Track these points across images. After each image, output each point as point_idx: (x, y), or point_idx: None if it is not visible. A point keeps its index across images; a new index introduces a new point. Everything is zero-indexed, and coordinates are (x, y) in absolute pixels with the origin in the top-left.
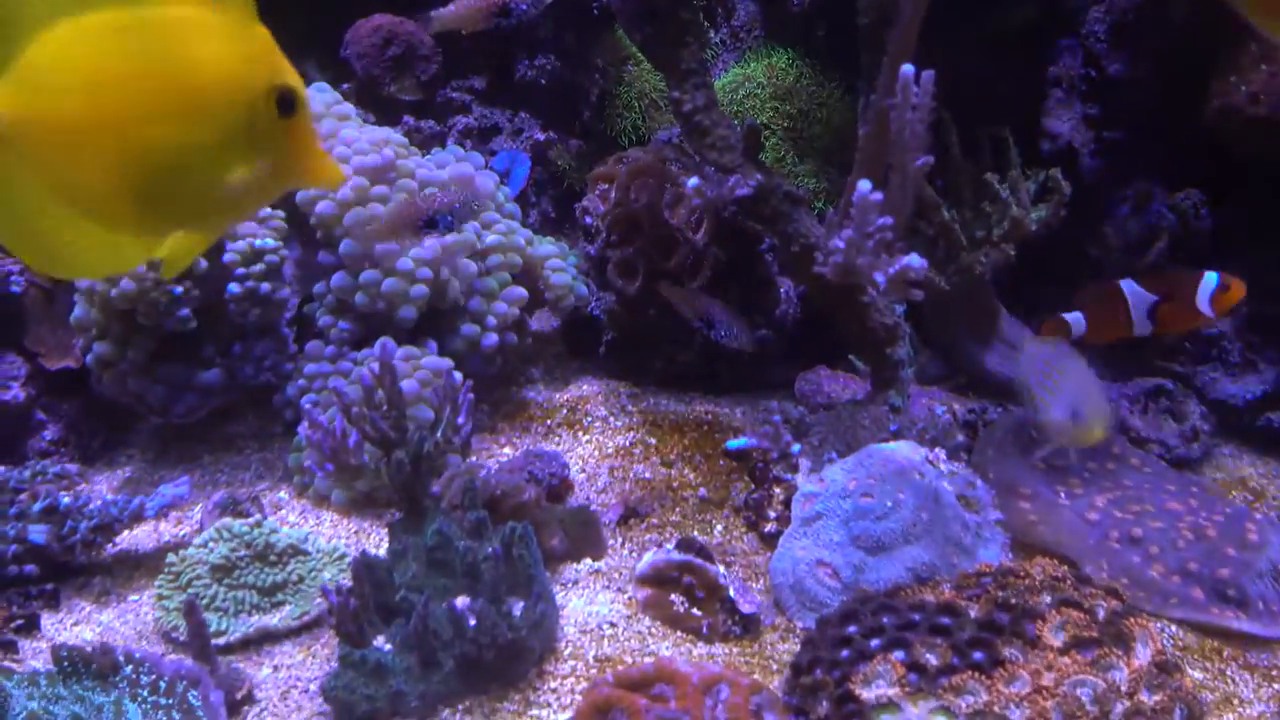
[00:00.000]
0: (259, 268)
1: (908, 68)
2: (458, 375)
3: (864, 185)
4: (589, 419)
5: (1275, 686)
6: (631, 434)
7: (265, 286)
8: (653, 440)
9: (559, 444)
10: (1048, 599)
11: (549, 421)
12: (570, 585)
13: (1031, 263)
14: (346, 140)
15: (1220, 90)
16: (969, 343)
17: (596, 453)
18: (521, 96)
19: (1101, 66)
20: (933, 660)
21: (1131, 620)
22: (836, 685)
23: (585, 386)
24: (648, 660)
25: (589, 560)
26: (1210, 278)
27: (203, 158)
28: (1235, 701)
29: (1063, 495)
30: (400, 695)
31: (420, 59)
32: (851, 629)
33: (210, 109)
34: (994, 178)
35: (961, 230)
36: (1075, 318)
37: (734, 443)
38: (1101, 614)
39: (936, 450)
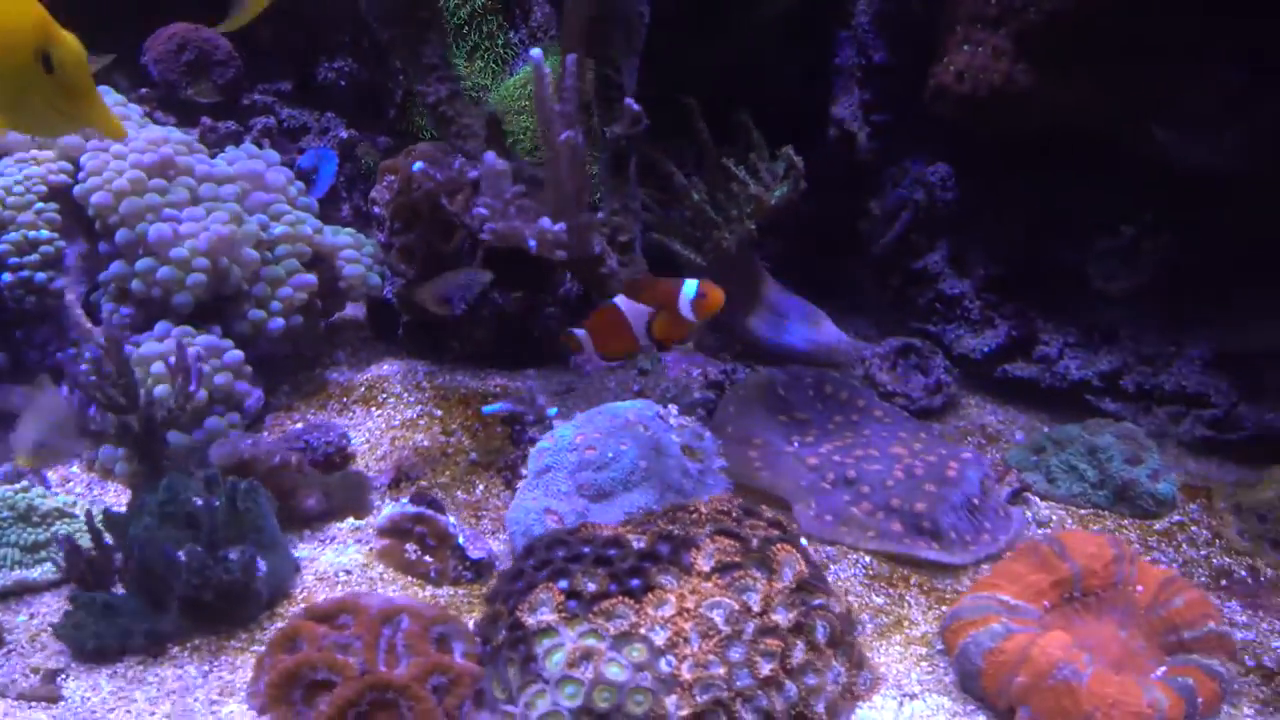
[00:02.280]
0: (34, 258)
1: (536, 53)
2: (238, 354)
3: (488, 157)
4: (384, 395)
5: (945, 609)
6: (420, 408)
7: (41, 276)
8: (439, 412)
9: (352, 419)
10: (709, 530)
11: (345, 399)
12: (328, 541)
13: (816, 237)
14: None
15: (935, 71)
16: (737, 313)
17: (384, 425)
18: (328, 98)
19: (869, 55)
20: (591, 587)
21: (779, 547)
22: (509, 614)
23: (386, 367)
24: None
25: (352, 519)
26: (689, 286)
27: None
28: (906, 624)
29: (795, 444)
30: (128, 632)
31: (216, 64)
32: (529, 563)
33: None
34: (731, 161)
35: (715, 210)
36: (582, 334)
37: (489, 407)
38: (755, 543)
39: (670, 407)
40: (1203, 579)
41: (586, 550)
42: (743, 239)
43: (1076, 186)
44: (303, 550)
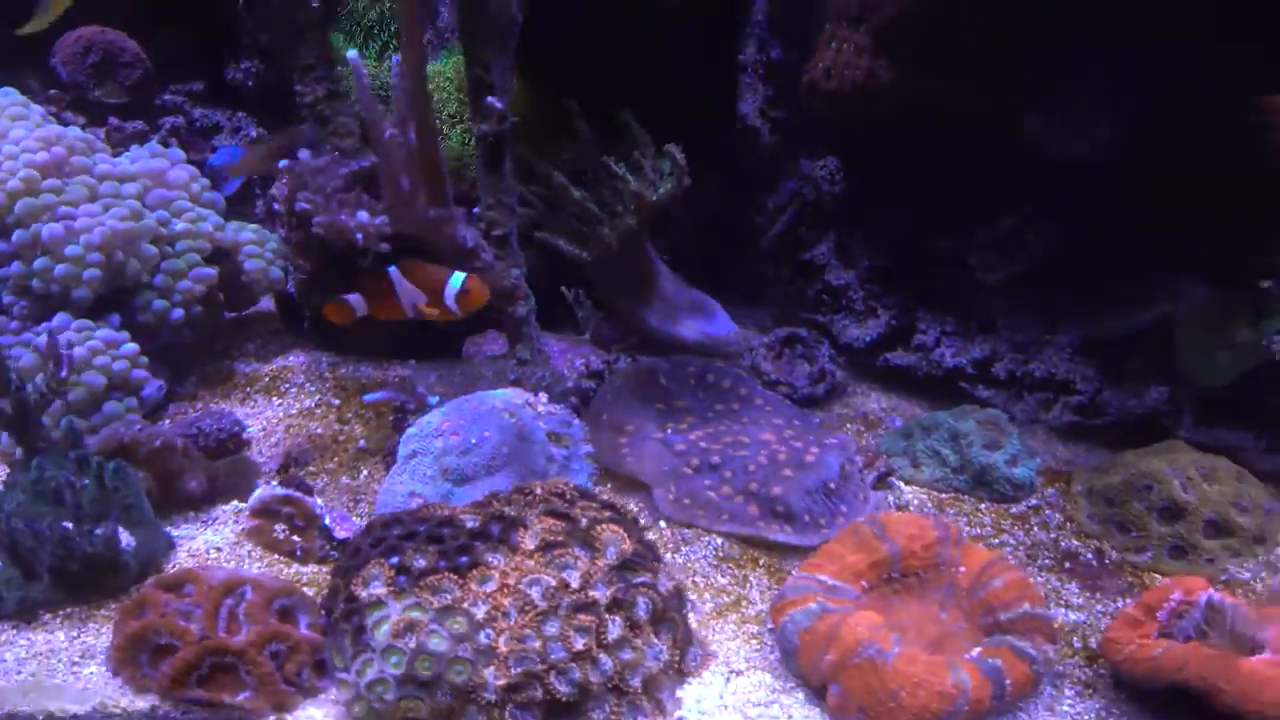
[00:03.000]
0: None
1: (352, 54)
2: (133, 346)
3: (303, 154)
4: (286, 385)
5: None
6: (319, 397)
7: None
8: (336, 401)
9: (254, 407)
10: (539, 510)
11: (250, 389)
12: (211, 522)
13: (723, 231)
14: (14, 139)
15: (807, 68)
16: (631, 304)
17: (282, 413)
18: (240, 98)
19: (768, 52)
20: (420, 564)
21: (604, 527)
22: (346, 588)
23: (292, 358)
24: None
25: (236, 502)
26: (456, 279)
27: None
28: (744, 603)
29: (668, 431)
30: (1, 599)
31: (122, 65)
32: (367, 541)
33: None
34: (611, 159)
35: (602, 207)
36: (356, 299)
37: (370, 395)
38: (584, 523)
39: (540, 395)
40: (1048, 561)
41: (421, 529)
42: (624, 234)
43: (961, 178)
44: (183, 530)
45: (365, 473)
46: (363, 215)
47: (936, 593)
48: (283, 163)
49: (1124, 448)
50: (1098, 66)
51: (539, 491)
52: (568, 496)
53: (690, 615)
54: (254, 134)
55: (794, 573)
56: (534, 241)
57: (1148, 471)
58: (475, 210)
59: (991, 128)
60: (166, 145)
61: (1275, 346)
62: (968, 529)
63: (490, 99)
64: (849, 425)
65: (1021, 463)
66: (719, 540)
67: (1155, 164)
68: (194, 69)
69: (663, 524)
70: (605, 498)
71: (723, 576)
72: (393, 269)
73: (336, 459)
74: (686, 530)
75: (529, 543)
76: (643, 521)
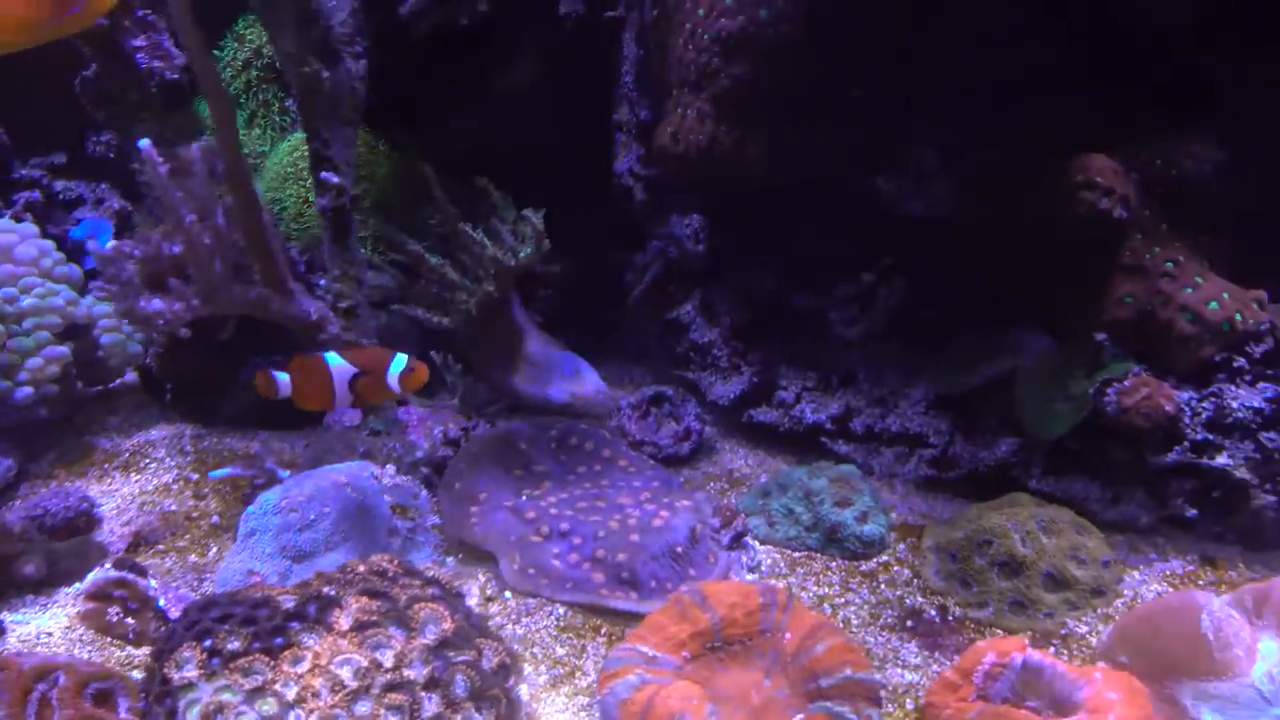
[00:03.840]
0: None
1: (144, 144)
2: None
3: (95, 245)
4: (145, 460)
5: None
6: (177, 472)
7: None
8: (195, 476)
9: (110, 484)
10: (358, 590)
11: (108, 465)
12: (49, 605)
13: (603, 290)
14: None
15: (656, 133)
16: (499, 368)
17: (138, 490)
18: (102, 169)
19: (637, 113)
20: (234, 645)
21: (420, 605)
22: (160, 669)
23: (155, 432)
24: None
25: (78, 584)
26: (399, 360)
27: None
28: (578, 674)
29: (523, 498)
30: None
31: None
32: (183, 624)
33: None
34: (467, 226)
35: (465, 272)
36: (285, 380)
37: (217, 472)
38: (404, 601)
39: (387, 467)
40: (891, 620)
41: (237, 610)
42: (484, 301)
43: (823, 235)
44: (19, 614)
45: (215, 550)
46: (156, 303)
47: (762, 660)
48: (111, 243)
49: (978, 499)
50: (937, 128)
51: (361, 570)
52: (389, 574)
53: (524, 688)
54: (116, 205)
55: (618, 645)
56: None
57: (988, 527)
58: (322, 282)
59: (845, 187)
60: (19, 220)
61: (1105, 398)
62: (815, 589)
63: (325, 174)
64: (713, 484)
65: (872, 519)
66: (562, 610)
67: (992, 223)
68: (57, 140)
69: (508, 594)
70: (433, 573)
71: (561, 647)
72: (328, 354)
73: (188, 536)
74: (531, 600)
75: (344, 623)
76: (489, 592)
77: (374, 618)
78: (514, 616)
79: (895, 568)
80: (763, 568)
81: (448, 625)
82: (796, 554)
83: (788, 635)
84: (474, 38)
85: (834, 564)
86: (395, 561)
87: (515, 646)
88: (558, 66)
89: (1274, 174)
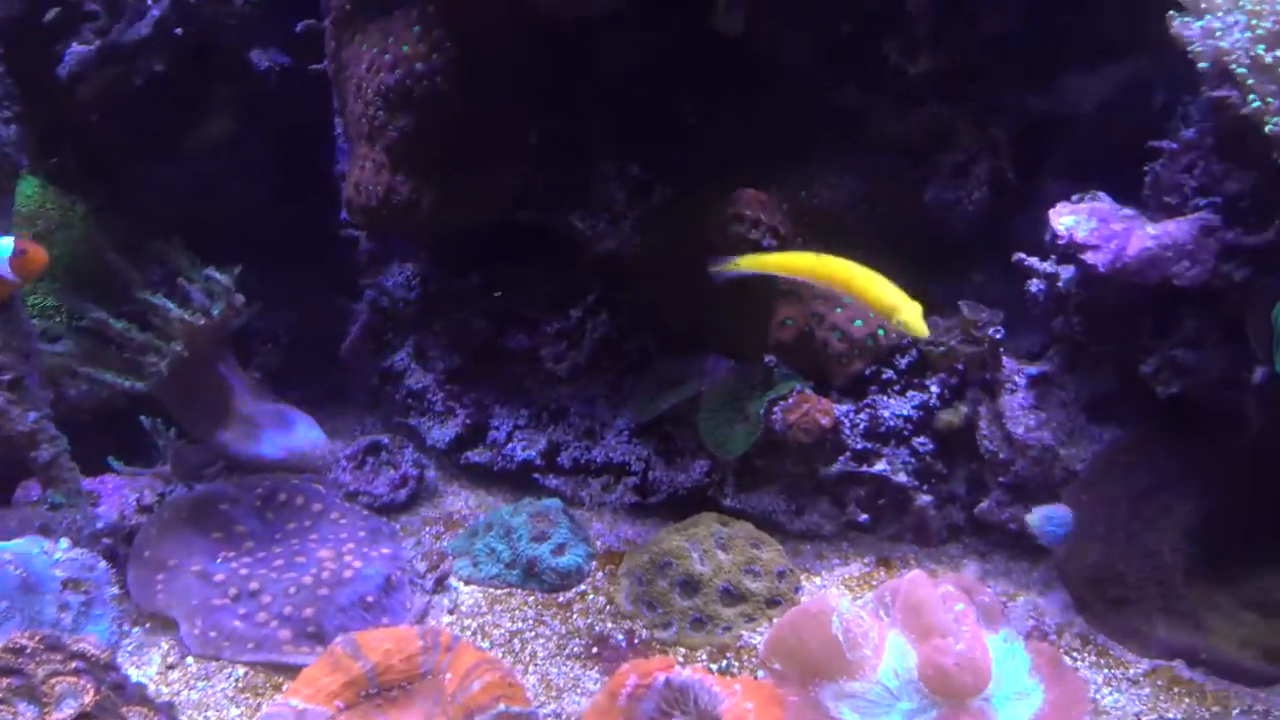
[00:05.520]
0: None
1: None
2: None
3: None
4: None
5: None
6: None
7: None
8: None
9: None
10: None
11: None
12: None
13: (321, 339)
14: None
15: (343, 186)
16: (209, 429)
17: None
18: None
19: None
20: None
21: (57, 680)
22: None
23: None
24: None
25: None
26: (5, 245)
27: None
28: None
29: (218, 560)
30: None
31: None
32: None
33: None
34: (145, 292)
35: (157, 334)
36: None
37: None
38: (40, 676)
39: (61, 540)
40: (578, 649)
41: None
42: (174, 363)
43: (533, 274)
44: None
45: None
46: None
47: (424, 702)
48: None
49: (680, 521)
50: (625, 167)
51: None
52: (28, 650)
53: None
54: None
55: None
56: None
57: (668, 549)
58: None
59: (551, 228)
60: None
61: (773, 416)
62: (509, 624)
63: None
64: (430, 528)
65: (570, 550)
66: (242, 670)
67: (666, 256)
68: None
69: (189, 660)
70: (79, 647)
71: (237, 708)
72: None
73: None
74: (213, 664)
75: None
76: (171, 659)
77: (3, 695)
78: (191, 682)
79: (591, 596)
80: (463, 608)
81: (88, 698)
82: (498, 591)
83: (448, 675)
84: (159, 95)
85: (532, 598)
86: (37, 638)
87: (189, 712)
88: (263, 120)
89: (911, 194)
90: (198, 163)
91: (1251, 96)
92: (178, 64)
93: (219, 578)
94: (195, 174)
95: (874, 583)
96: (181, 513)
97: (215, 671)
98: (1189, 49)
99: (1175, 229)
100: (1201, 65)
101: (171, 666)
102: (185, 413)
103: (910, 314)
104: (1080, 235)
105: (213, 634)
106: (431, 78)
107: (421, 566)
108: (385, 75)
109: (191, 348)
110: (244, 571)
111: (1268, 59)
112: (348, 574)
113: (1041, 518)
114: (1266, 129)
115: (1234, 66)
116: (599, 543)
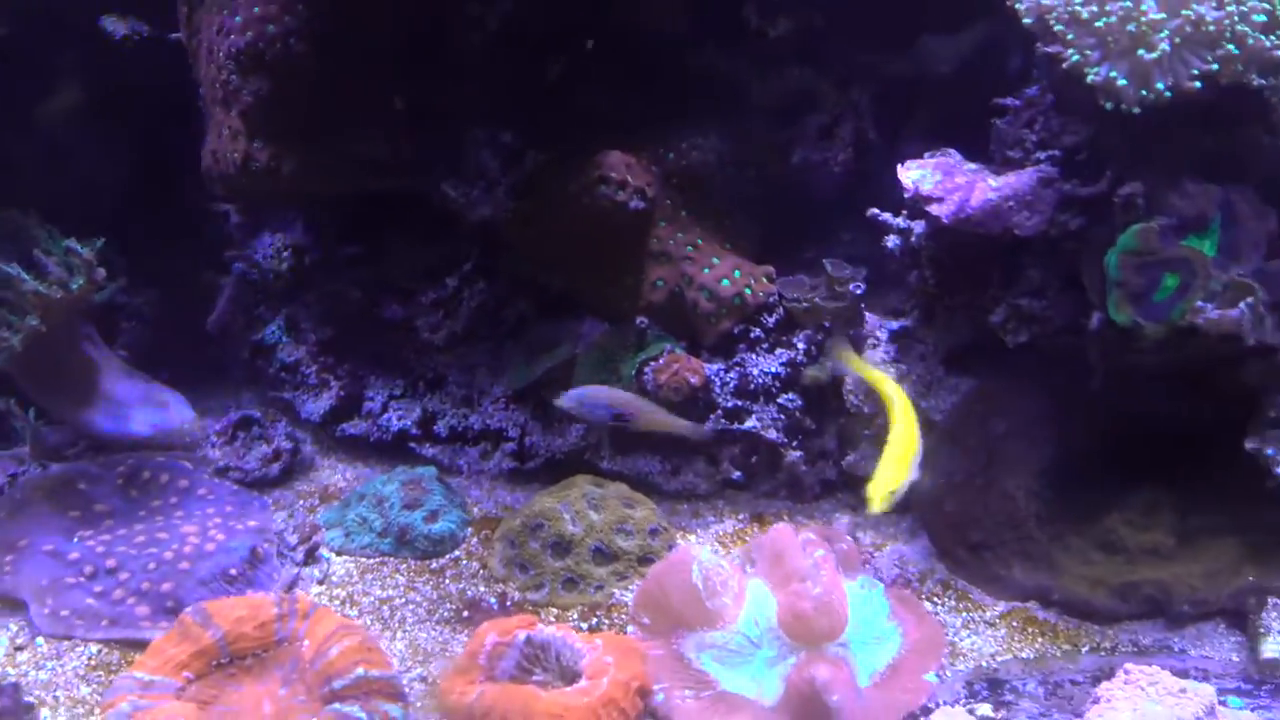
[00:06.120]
0: None
1: None
2: None
3: None
4: None
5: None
6: None
7: None
8: None
9: None
10: None
11: None
12: None
13: (192, 315)
14: None
15: (202, 155)
16: (72, 408)
17: None
18: None
19: None
20: None
21: None
22: None
23: None
24: None
25: None
26: None
27: None
28: (99, 711)
29: (75, 540)
30: None
31: None
32: None
33: None
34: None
35: (10, 308)
36: None
37: None
38: None
39: None
40: (448, 613)
41: None
42: (29, 338)
43: (408, 243)
44: None
45: None
46: None
47: (280, 669)
48: None
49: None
50: (496, 133)
51: None
52: None
53: None
54: None
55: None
56: None
57: (540, 510)
58: None
59: (425, 195)
60: None
61: (644, 377)
62: (380, 592)
63: None
64: (304, 501)
65: (443, 517)
66: (95, 648)
67: (537, 221)
68: None
69: (39, 641)
70: None
71: (87, 686)
72: None
73: None
74: (65, 643)
75: None
76: (20, 641)
77: None
78: (40, 662)
79: (465, 562)
80: (334, 578)
81: None
82: (370, 560)
83: (306, 642)
84: (3, 64)
85: (404, 565)
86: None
87: (37, 691)
88: (123, 91)
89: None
90: (53, 134)
91: (1071, 51)
92: (23, 30)
93: (73, 556)
94: (51, 146)
95: (748, 538)
96: (36, 493)
97: (66, 651)
98: (1015, 5)
99: (1016, 181)
100: (1026, 21)
101: (20, 648)
102: (46, 392)
103: (877, 488)
104: (926, 188)
105: (64, 613)
106: (285, 39)
107: (293, 539)
108: (235, 38)
109: (48, 322)
110: (101, 549)
111: (1084, 14)
112: (210, 547)
113: None
114: (1088, 80)
115: (1053, 23)
116: (476, 509)
